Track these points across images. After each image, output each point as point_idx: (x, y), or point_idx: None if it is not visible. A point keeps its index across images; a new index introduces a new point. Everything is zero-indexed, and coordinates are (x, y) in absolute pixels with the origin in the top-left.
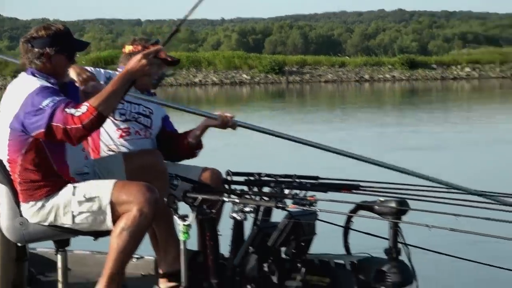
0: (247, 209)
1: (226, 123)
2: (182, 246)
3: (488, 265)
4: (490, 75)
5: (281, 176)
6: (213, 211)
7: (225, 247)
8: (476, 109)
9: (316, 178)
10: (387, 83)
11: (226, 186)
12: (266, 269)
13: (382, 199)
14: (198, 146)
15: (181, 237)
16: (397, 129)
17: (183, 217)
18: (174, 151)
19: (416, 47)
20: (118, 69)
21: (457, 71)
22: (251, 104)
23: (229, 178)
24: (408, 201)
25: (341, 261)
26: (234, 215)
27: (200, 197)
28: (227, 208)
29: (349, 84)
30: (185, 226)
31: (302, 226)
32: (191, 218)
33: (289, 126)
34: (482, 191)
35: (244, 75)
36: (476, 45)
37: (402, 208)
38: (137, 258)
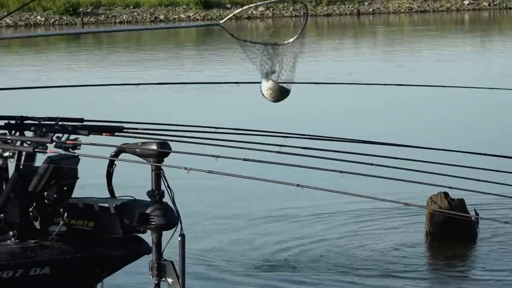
0: (6, 154)
1: None
2: None
3: None
4: (283, 14)
5: (44, 119)
6: None
7: None
8: None
9: (82, 120)
10: (181, 22)
11: None
12: (28, 214)
13: (143, 141)
14: None
15: None
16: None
17: None
18: None
19: None
20: None
21: (251, 11)
22: (47, 47)
23: None
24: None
25: (106, 205)
26: None
27: None
28: None
29: (144, 25)
30: None
31: (63, 170)
32: None
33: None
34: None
35: (39, 17)
36: None
37: (162, 150)
38: None
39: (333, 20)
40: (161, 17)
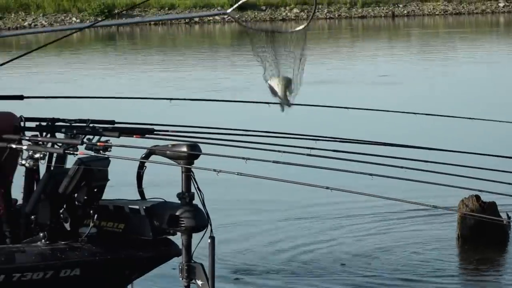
0: (37, 155)
1: None
2: None
3: None
4: (318, 16)
5: (75, 120)
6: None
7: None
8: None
9: (113, 122)
10: (217, 24)
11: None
12: (58, 216)
13: (173, 143)
14: None
15: None
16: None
17: None
18: None
19: None
20: None
21: (286, 12)
22: (83, 48)
23: (22, 124)
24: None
25: (136, 207)
26: (24, 162)
27: None
28: None
29: (179, 27)
30: None
31: (93, 172)
32: None
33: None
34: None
35: (74, 19)
36: None
37: (192, 152)
38: None
39: (367, 22)
40: (196, 18)
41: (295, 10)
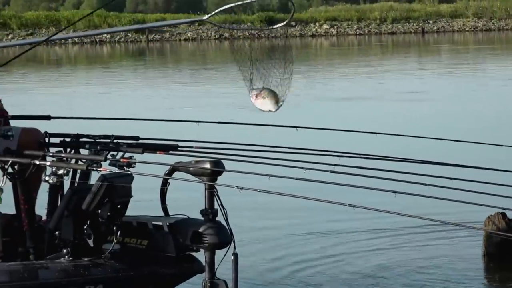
0: (60, 172)
1: None
2: None
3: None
4: (348, 32)
5: (100, 136)
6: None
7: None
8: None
9: (137, 138)
10: (246, 40)
11: (53, 149)
12: (82, 232)
13: (196, 159)
14: None
15: None
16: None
17: None
18: None
19: (277, 5)
20: None
21: (316, 28)
22: (112, 63)
23: (47, 140)
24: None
25: (159, 223)
26: (47, 178)
27: (10, 160)
28: None
29: (209, 42)
30: None
31: (117, 189)
32: (3, 182)
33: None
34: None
35: (104, 34)
36: (336, 2)
37: (215, 169)
38: None
39: (397, 38)
40: (226, 34)
41: (324, 26)
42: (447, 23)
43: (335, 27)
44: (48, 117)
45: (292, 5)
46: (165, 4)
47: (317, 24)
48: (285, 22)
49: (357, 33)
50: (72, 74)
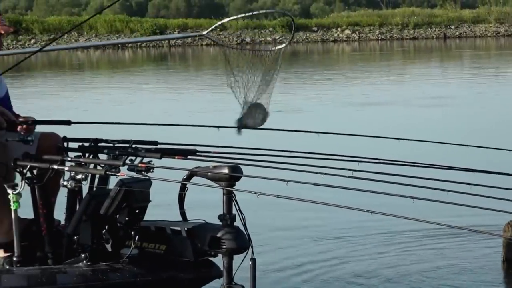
0: (78, 176)
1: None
2: (13, 215)
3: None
4: (369, 37)
5: (118, 141)
6: (47, 178)
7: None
8: (357, 71)
9: (156, 143)
10: (268, 45)
11: (71, 154)
12: (100, 237)
13: (214, 164)
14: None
15: (12, 206)
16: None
17: (13, 186)
18: None
19: (298, 10)
20: None
21: (338, 34)
22: (133, 68)
23: (65, 144)
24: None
25: (177, 228)
26: (65, 183)
27: (29, 164)
28: None
29: (230, 48)
30: (15, 195)
31: (135, 194)
32: (21, 187)
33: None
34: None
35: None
36: (358, 7)
37: (234, 174)
38: None
39: (419, 44)
40: (247, 39)
41: (346, 32)
42: (469, 29)
43: (357, 32)
44: (68, 122)
45: (293, 22)
46: (187, 9)
47: (339, 29)
48: (285, 44)
49: (379, 38)
50: (94, 79)
